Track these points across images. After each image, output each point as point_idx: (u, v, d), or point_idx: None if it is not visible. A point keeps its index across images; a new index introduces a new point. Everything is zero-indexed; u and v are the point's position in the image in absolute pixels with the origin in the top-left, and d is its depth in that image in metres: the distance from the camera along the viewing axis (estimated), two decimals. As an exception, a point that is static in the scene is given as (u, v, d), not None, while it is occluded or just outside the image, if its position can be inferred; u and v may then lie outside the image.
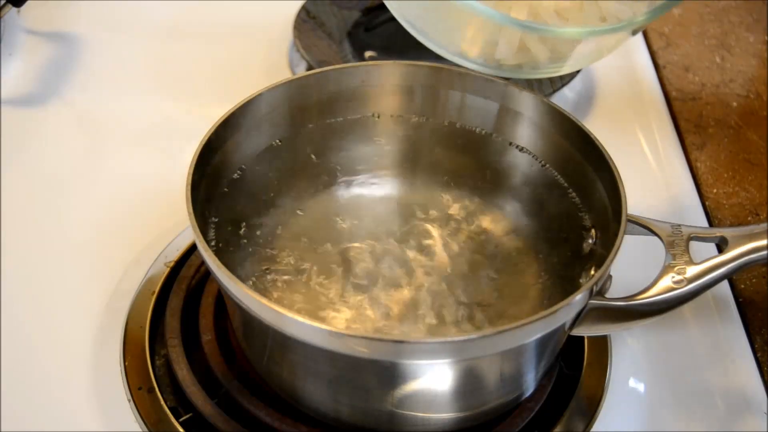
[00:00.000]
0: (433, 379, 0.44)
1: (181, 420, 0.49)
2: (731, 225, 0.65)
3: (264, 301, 0.40)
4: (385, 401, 0.45)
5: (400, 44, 0.82)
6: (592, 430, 0.50)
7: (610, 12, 0.50)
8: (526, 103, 0.54)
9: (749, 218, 0.66)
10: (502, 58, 0.52)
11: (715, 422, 0.52)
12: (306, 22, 0.82)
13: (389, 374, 0.43)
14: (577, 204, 0.52)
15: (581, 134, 0.51)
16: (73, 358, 0.53)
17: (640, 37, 0.84)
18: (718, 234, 0.49)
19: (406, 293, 0.48)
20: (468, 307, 0.47)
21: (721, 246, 0.48)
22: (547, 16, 0.50)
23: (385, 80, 0.56)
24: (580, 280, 0.48)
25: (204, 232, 0.46)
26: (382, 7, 0.63)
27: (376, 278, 0.48)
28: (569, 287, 0.48)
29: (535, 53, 0.53)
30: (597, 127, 0.51)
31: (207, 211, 0.50)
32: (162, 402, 0.50)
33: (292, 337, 0.41)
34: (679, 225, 0.48)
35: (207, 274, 0.57)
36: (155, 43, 0.83)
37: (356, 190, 0.54)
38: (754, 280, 0.60)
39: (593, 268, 0.48)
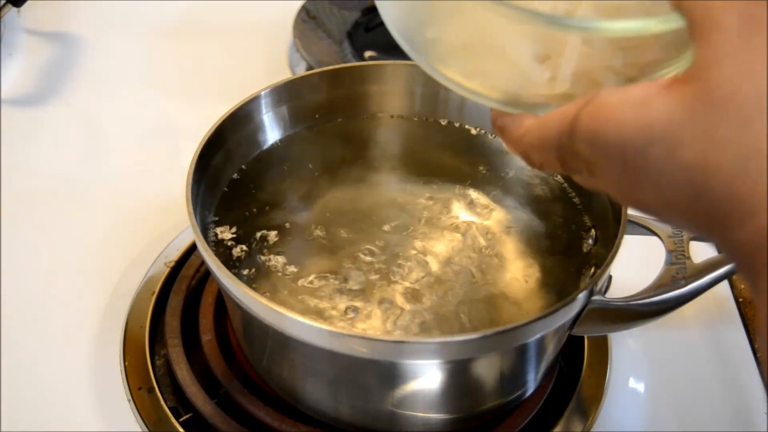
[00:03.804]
0: (432, 379, 0.44)
1: (181, 420, 0.49)
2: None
3: (264, 301, 0.40)
4: (385, 401, 0.45)
5: (400, 44, 0.82)
6: (591, 430, 0.50)
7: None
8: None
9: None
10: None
11: (715, 422, 0.52)
12: (306, 22, 0.82)
13: (389, 374, 0.43)
14: (577, 204, 0.52)
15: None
16: (73, 358, 0.53)
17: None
18: (718, 234, 0.49)
19: (406, 292, 0.47)
20: (468, 306, 0.47)
21: (721, 246, 0.48)
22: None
23: (385, 80, 0.56)
24: (580, 280, 0.48)
25: (204, 232, 0.46)
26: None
27: (377, 277, 0.48)
28: (569, 287, 0.48)
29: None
30: (597, 127, 0.51)
31: (207, 211, 0.50)
32: (162, 402, 0.50)
33: (292, 337, 0.41)
34: (679, 225, 0.48)
35: (207, 274, 0.57)
36: (155, 43, 0.84)
37: (356, 190, 0.54)
38: (754, 280, 0.60)
39: (593, 268, 0.48)
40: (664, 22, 0.30)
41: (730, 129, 0.26)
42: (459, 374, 0.44)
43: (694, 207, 0.28)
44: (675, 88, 0.27)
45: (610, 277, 0.47)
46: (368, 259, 0.49)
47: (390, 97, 0.57)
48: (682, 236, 0.48)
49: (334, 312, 0.46)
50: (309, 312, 0.46)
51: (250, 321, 0.44)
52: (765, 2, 0.27)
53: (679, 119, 0.27)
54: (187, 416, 0.49)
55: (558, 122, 0.31)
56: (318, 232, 0.51)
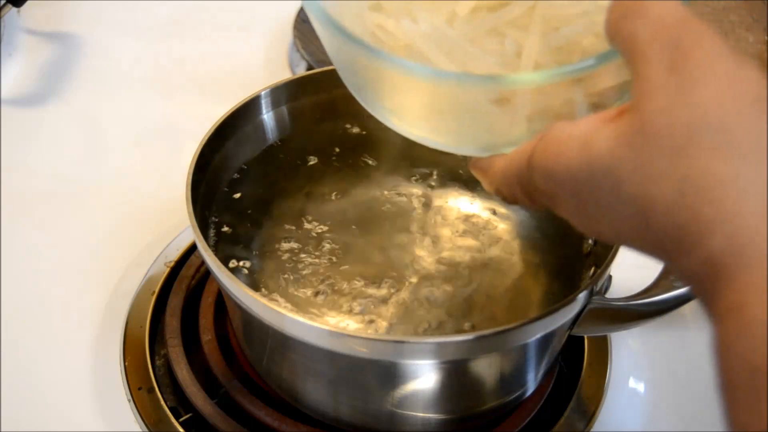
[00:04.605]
0: (432, 379, 0.44)
1: (181, 420, 0.49)
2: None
3: (264, 301, 0.40)
4: (385, 401, 0.45)
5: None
6: (591, 430, 0.50)
7: None
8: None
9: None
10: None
11: (715, 422, 0.52)
12: (306, 22, 0.82)
13: (389, 374, 0.43)
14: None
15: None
16: (73, 358, 0.53)
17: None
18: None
19: (407, 292, 0.48)
20: (468, 306, 0.47)
21: (721, 246, 0.48)
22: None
23: (385, 80, 0.56)
24: (580, 281, 0.48)
25: (204, 232, 0.46)
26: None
27: (378, 277, 0.48)
28: (569, 287, 0.48)
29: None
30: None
31: (207, 211, 0.50)
32: (162, 402, 0.50)
33: (292, 337, 0.41)
34: (680, 225, 0.48)
35: (207, 274, 0.57)
36: (155, 43, 0.83)
37: (357, 190, 0.54)
38: (754, 280, 0.60)
39: (593, 268, 0.48)
40: (607, 57, 0.30)
41: (664, 160, 0.26)
42: (459, 374, 0.44)
43: (644, 237, 0.28)
44: (616, 120, 0.28)
45: (610, 277, 0.47)
46: (369, 258, 0.49)
47: (390, 97, 0.57)
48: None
49: (335, 311, 0.46)
50: (310, 312, 0.46)
51: (250, 321, 0.44)
52: (692, 30, 0.27)
53: (620, 153, 0.27)
54: (187, 416, 0.49)
55: (518, 160, 0.32)
56: (318, 232, 0.51)
